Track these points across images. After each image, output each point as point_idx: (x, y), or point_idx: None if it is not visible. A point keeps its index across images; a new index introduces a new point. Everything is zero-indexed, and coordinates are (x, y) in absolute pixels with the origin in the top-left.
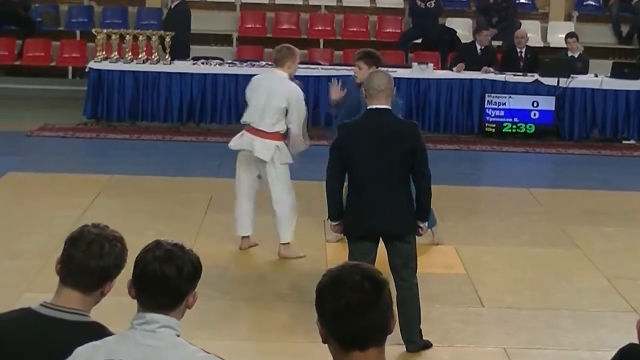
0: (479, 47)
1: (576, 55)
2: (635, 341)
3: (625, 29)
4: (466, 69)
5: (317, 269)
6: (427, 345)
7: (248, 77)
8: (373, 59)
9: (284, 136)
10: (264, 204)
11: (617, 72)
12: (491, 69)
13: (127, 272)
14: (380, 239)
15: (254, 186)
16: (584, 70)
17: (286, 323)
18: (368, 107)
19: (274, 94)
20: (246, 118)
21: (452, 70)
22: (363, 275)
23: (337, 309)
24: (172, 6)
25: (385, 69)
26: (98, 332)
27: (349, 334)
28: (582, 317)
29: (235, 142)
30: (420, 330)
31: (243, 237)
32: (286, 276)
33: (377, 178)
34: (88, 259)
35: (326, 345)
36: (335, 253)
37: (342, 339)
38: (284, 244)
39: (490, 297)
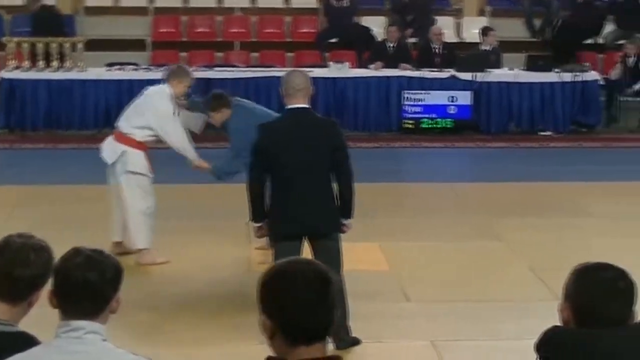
0: (390, 45)
1: (489, 49)
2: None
3: (537, 23)
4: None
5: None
6: (356, 342)
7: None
8: (220, 101)
9: (145, 145)
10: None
11: (532, 65)
12: (408, 66)
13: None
14: (305, 238)
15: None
16: (498, 64)
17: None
18: (287, 107)
19: (143, 101)
20: None
21: (368, 68)
22: (314, 272)
23: (289, 304)
24: (34, 12)
25: (302, 68)
26: (27, 342)
27: (299, 329)
28: (509, 308)
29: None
30: (348, 327)
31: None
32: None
33: (300, 177)
34: (14, 268)
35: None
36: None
37: (290, 335)
38: (140, 249)
39: (416, 292)
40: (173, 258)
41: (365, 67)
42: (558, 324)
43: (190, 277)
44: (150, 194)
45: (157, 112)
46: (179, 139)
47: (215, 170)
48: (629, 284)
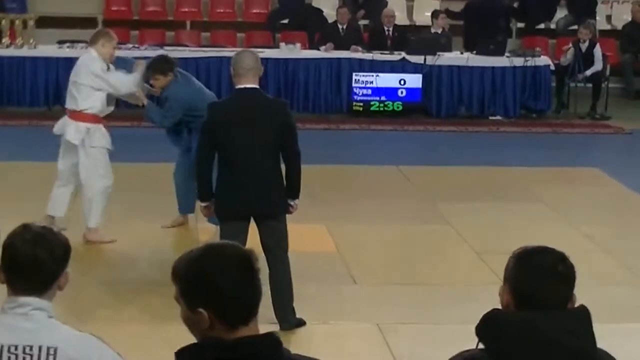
0: (341, 26)
1: (439, 32)
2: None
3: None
4: (333, 48)
5: None
6: (301, 323)
7: (114, 60)
8: (163, 65)
9: (98, 118)
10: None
11: (483, 49)
12: (359, 48)
13: None
14: (252, 218)
15: (74, 173)
16: (449, 47)
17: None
18: (237, 87)
19: (76, 72)
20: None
21: (319, 49)
22: (241, 253)
23: (225, 289)
24: None
25: (253, 49)
26: None
27: (237, 311)
28: (454, 292)
29: (56, 126)
30: (293, 308)
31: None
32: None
33: (248, 157)
34: None
35: None
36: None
37: (229, 319)
38: (90, 228)
39: (363, 275)
40: (119, 237)
41: (317, 48)
42: (486, 311)
43: (136, 257)
44: (109, 172)
45: (93, 74)
46: (125, 84)
47: (147, 109)
48: (569, 268)
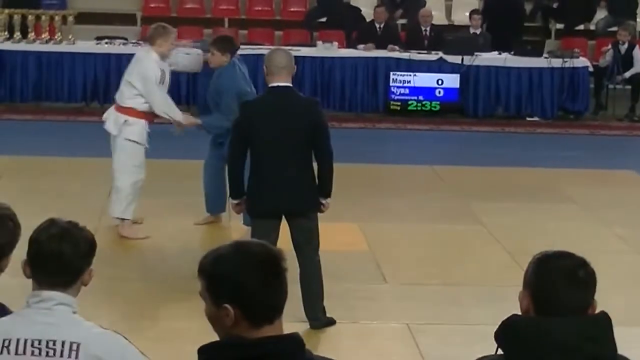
0: (378, 25)
1: (478, 32)
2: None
3: (528, 7)
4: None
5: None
6: (331, 322)
7: None
8: (225, 44)
9: (147, 115)
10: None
11: (520, 50)
12: (396, 47)
13: (21, 252)
14: (283, 216)
15: None
16: (486, 47)
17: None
18: (270, 85)
19: (131, 69)
20: None
21: (357, 48)
22: (268, 252)
23: (252, 286)
24: None
25: (289, 47)
26: None
27: (263, 310)
28: (485, 292)
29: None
30: (324, 307)
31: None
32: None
33: (280, 155)
34: None
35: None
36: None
37: (255, 317)
38: (120, 219)
39: (394, 274)
40: (153, 234)
41: (354, 47)
42: (518, 312)
43: (166, 253)
44: (142, 167)
45: (143, 77)
46: (162, 102)
47: (205, 125)
48: (589, 273)
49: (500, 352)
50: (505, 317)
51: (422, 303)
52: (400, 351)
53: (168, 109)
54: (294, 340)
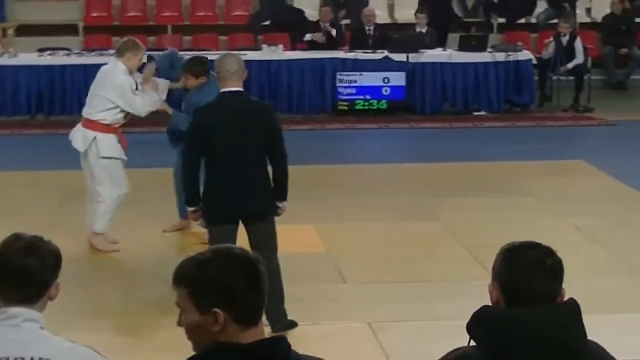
0: (323, 26)
1: (424, 31)
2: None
3: (470, 2)
4: (315, 48)
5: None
6: (293, 324)
7: (97, 67)
8: (198, 68)
9: (116, 128)
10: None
11: (465, 45)
12: (342, 48)
13: None
14: (240, 221)
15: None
16: (433, 45)
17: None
18: (221, 90)
19: (101, 82)
20: None
21: (305, 40)
22: (248, 255)
23: (244, 288)
24: None
25: (235, 52)
26: None
27: (250, 312)
28: (446, 287)
29: (70, 134)
30: (285, 310)
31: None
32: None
33: (234, 160)
34: None
35: None
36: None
37: (243, 319)
38: (96, 233)
39: (353, 274)
40: (123, 242)
41: (302, 41)
42: (489, 304)
43: (136, 262)
44: (123, 180)
45: (118, 89)
46: (142, 105)
47: (172, 117)
48: (557, 262)
49: (472, 343)
50: (471, 311)
51: (383, 301)
52: (364, 350)
53: (149, 106)
54: (285, 341)
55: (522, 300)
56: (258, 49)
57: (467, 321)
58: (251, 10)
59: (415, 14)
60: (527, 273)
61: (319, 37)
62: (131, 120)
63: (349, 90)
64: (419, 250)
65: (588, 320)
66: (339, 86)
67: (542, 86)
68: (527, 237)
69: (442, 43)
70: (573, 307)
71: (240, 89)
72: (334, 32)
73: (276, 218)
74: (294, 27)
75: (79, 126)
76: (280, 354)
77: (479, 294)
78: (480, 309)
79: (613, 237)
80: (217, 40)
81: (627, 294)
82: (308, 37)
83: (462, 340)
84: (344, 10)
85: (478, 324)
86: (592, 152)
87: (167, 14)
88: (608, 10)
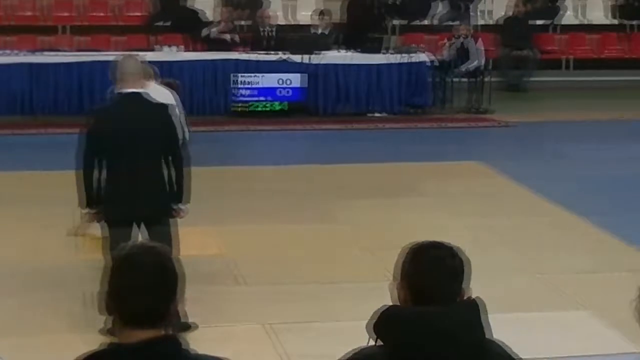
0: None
1: (326, 32)
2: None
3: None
4: (214, 49)
5: None
6: (190, 326)
7: None
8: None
9: None
10: None
11: (364, 47)
12: (240, 49)
13: None
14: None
15: None
16: (331, 46)
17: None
18: (118, 92)
19: None
20: None
21: (210, 35)
22: (151, 258)
23: (121, 288)
24: None
25: (133, 52)
26: None
27: (132, 313)
28: (346, 288)
29: None
30: (183, 311)
31: None
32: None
33: (132, 162)
34: None
35: None
36: None
37: (125, 318)
38: None
39: (251, 275)
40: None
41: (199, 41)
42: (393, 303)
43: (17, 264)
44: None
45: None
46: None
47: None
48: (461, 262)
49: (373, 343)
50: (370, 312)
51: (282, 303)
52: (263, 352)
53: None
54: (174, 340)
55: (428, 298)
56: (154, 49)
57: (367, 321)
58: (147, 11)
59: (314, 15)
60: (433, 272)
61: (224, 28)
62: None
63: (247, 92)
64: (317, 252)
65: (489, 320)
66: (238, 87)
67: (440, 88)
68: (425, 238)
69: (362, 44)
70: (475, 305)
71: (139, 90)
72: (228, 37)
73: (179, 220)
74: (191, 28)
75: None
76: (169, 353)
77: (380, 295)
78: (387, 308)
79: (510, 238)
80: (113, 41)
81: (523, 293)
82: (214, 32)
83: (361, 341)
84: (242, 11)
85: (383, 322)
86: (490, 153)
87: (61, 14)
88: (505, 13)
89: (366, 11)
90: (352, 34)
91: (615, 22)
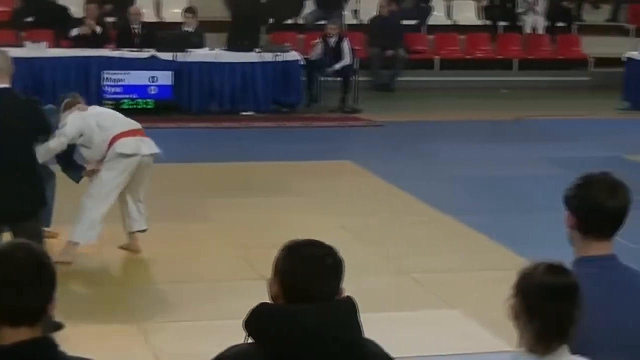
0: (88, 23)
1: (192, 30)
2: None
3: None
4: (81, 45)
5: None
6: (58, 326)
7: None
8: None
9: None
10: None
11: (233, 46)
12: (108, 45)
13: None
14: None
15: None
16: (200, 44)
17: None
18: None
19: None
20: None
21: (72, 36)
22: (27, 255)
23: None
24: None
25: (4, 48)
26: None
27: (4, 310)
28: (218, 287)
29: None
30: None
31: None
32: None
33: (2, 158)
34: None
35: None
36: None
37: (5, 318)
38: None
39: (123, 274)
40: None
41: (66, 38)
42: (267, 301)
43: None
44: None
45: None
46: None
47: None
48: (337, 261)
49: (250, 340)
50: (243, 310)
51: (153, 302)
52: (135, 352)
53: None
54: (48, 341)
55: (301, 297)
56: (21, 46)
57: (235, 320)
58: (13, 6)
59: (183, 12)
60: (308, 270)
61: (85, 29)
62: None
63: (115, 89)
64: (189, 251)
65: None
66: (105, 85)
67: (310, 87)
68: (297, 237)
69: (255, 43)
70: (350, 304)
71: (7, 85)
72: (99, 29)
73: None
74: (58, 24)
75: (139, 137)
76: (43, 355)
77: (252, 293)
78: (259, 305)
79: (381, 236)
80: None
81: (395, 292)
82: (74, 32)
83: (234, 340)
84: (109, 6)
85: (256, 320)
86: (359, 152)
87: None
88: (375, 13)
89: (251, 10)
90: (237, 32)
91: (487, 22)
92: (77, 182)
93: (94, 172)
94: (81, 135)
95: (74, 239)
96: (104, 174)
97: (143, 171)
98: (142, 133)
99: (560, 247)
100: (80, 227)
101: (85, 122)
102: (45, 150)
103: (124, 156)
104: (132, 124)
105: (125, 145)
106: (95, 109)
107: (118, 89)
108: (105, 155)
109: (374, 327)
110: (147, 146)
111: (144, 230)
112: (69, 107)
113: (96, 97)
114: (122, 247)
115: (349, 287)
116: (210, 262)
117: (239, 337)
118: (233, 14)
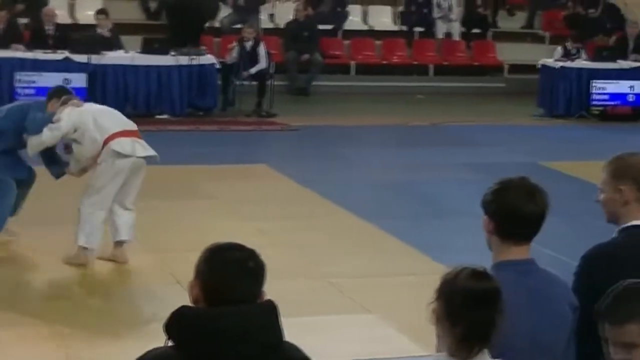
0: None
1: (107, 32)
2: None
3: (153, 5)
4: None
5: None
6: None
7: None
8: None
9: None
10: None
11: (148, 48)
12: (20, 47)
13: None
14: None
15: None
16: (115, 46)
17: None
18: None
19: None
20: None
21: None
22: None
23: None
24: None
25: None
26: None
27: None
28: (128, 292)
29: None
30: None
31: None
32: None
33: None
34: None
35: None
36: None
37: None
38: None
39: (35, 279)
40: None
41: None
42: (187, 304)
43: None
44: None
45: None
46: None
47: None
48: (259, 264)
49: (171, 343)
50: (158, 313)
51: (66, 308)
52: (48, 356)
53: None
54: None
55: (222, 299)
56: None
57: (153, 325)
58: None
59: (96, 15)
60: (229, 273)
61: None
62: None
63: (27, 91)
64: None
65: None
66: (17, 86)
67: (226, 90)
68: (211, 241)
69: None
70: (270, 308)
71: None
72: None
73: None
74: None
75: (135, 139)
76: None
77: (167, 297)
78: (179, 308)
79: (297, 241)
80: None
81: (312, 297)
82: None
83: (154, 343)
84: (20, 6)
85: (176, 323)
86: (275, 156)
87: None
88: (291, 17)
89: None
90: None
91: (403, 28)
92: (57, 178)
93: (84, 171)
94: (75, 130)
95: (81, 244)
96: (97, 180)
97: (135, 174)
98: (137, 134)
99: (477, 252)
100: (82, 232)
101: (81, 118)
102: (38, 143)
103: (119, 155)
104: (129, 124)
105: (121, 145)
106: (92, 106)
107: (31, 91)
108: (100, 153)
109: (290, 332)
110: (142, 148)
111: (124, 241)
112: (64, 102)
113: (8, 99)
114: (106, 259)
115: (267, 291)
116: (125, 266)
117: (159, 340)
118: (173, 18)
